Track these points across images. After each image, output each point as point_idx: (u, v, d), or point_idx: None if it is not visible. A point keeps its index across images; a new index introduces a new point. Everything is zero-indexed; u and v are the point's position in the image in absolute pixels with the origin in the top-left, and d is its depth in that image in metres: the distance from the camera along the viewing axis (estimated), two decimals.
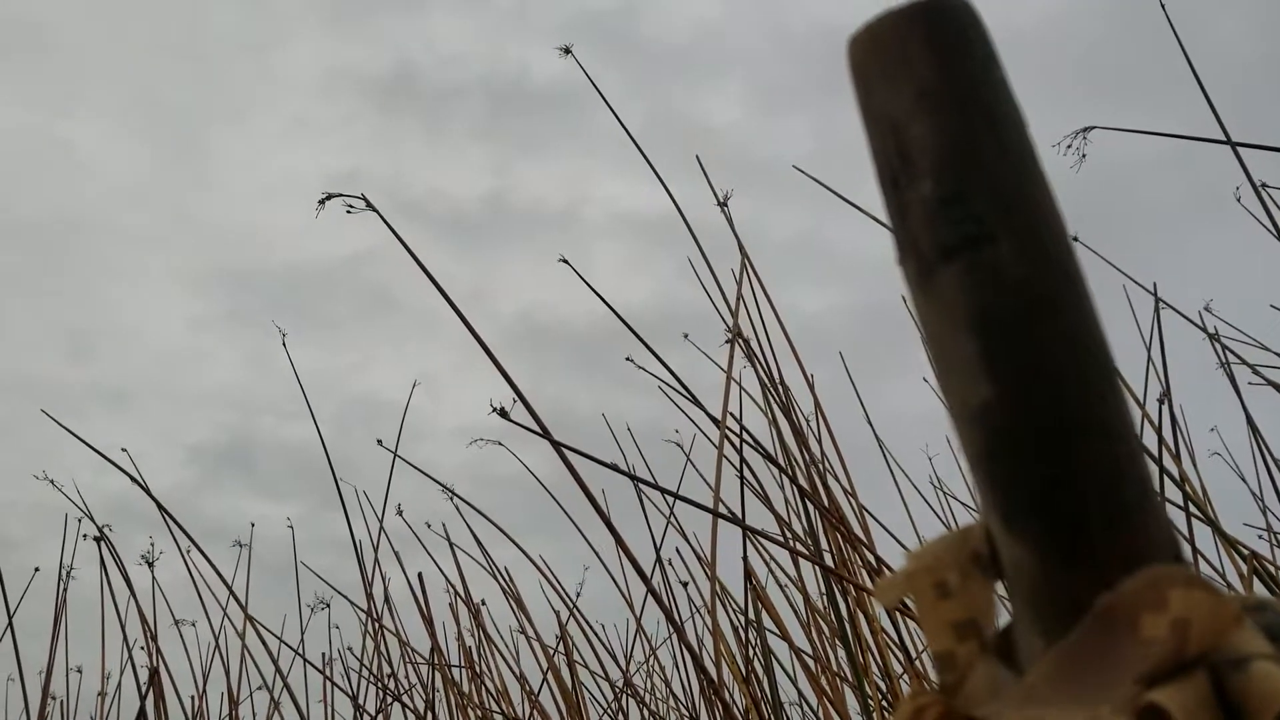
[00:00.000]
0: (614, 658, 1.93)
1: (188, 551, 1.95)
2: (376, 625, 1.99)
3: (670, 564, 1.84)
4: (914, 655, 1.52)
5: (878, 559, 1.52)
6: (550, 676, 1.94)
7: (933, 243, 0.33)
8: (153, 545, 2.03)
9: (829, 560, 1.56)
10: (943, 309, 0.33)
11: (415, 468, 1.85)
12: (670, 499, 1.72)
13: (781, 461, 1.60)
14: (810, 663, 1.64)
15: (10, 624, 1.97)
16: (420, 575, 2.04)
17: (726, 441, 1.56)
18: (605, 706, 1.94)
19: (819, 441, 1.67)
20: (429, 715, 1.94)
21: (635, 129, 1.68)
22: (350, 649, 2.13)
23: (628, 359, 1.65)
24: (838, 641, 1.57)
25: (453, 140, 4.91)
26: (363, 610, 1.99)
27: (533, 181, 4.76)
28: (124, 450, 1.91)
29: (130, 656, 1.98)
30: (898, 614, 1.54)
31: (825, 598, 1.58)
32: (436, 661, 1.96)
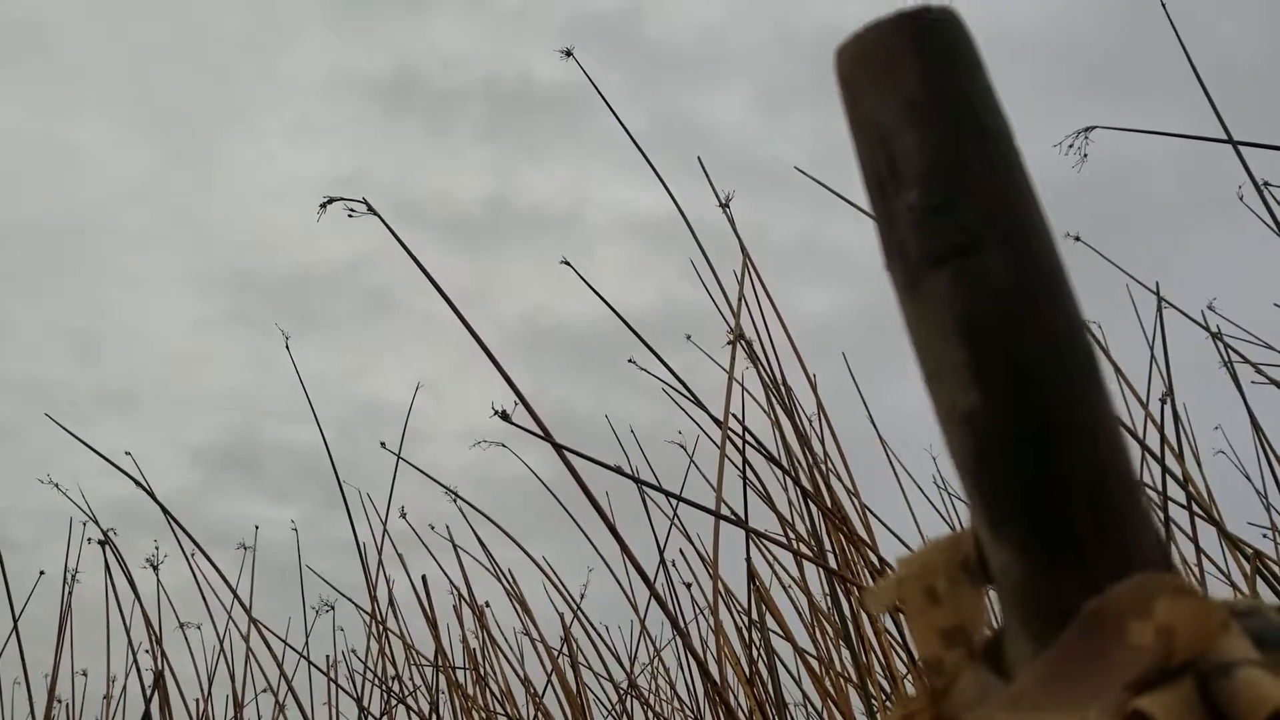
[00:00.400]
0: (618, 659, 1.94)
1: (192, 555, 1.95)
2: (381, 627, 1.99)
3: (674, 565, 1.84)
4: (917, 656, 1.52)
5: (881, 559, 1.53)
6: (554, 678, 1.94)
7: (920, 250, 0.34)
8: (157, 549, 2.04)
9: (832, 561, 1.56)
10: (930, 316, 0.33)
11: (418, 469, 1.86)
12: (673, 500, 1.72)
13: (784, 462, 1.60)
14: (814, 664, 1.64)
15: (15, 628, 1.98)
16: (424, 577, 2.05)
17: (729, 442, 1.56)
18: (610, 708, 1.94)
19: (821, 442, 1.67)
20: (434, 717, 1.95)
21: (637, 131, 1.68)
22: (354, 651, 2.14)
23: (630, 360, 1.65)
24: (841, 642, 1.57)
25: (455, 143, 4.92)
26: (367, 613, 2.00)
27: (535, 184, 4.76)
28: (128, 454, 1.92)
29: (135, 660, 1.99)
30: (901, 614, 1.54)
31: (829, 598, 1.58)
32: (441, 664, 1.96)
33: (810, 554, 1.55)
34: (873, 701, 1.52)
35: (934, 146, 0.34)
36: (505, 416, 1.21)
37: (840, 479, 1.67)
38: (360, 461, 2.23)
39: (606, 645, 1.94)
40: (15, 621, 1.98)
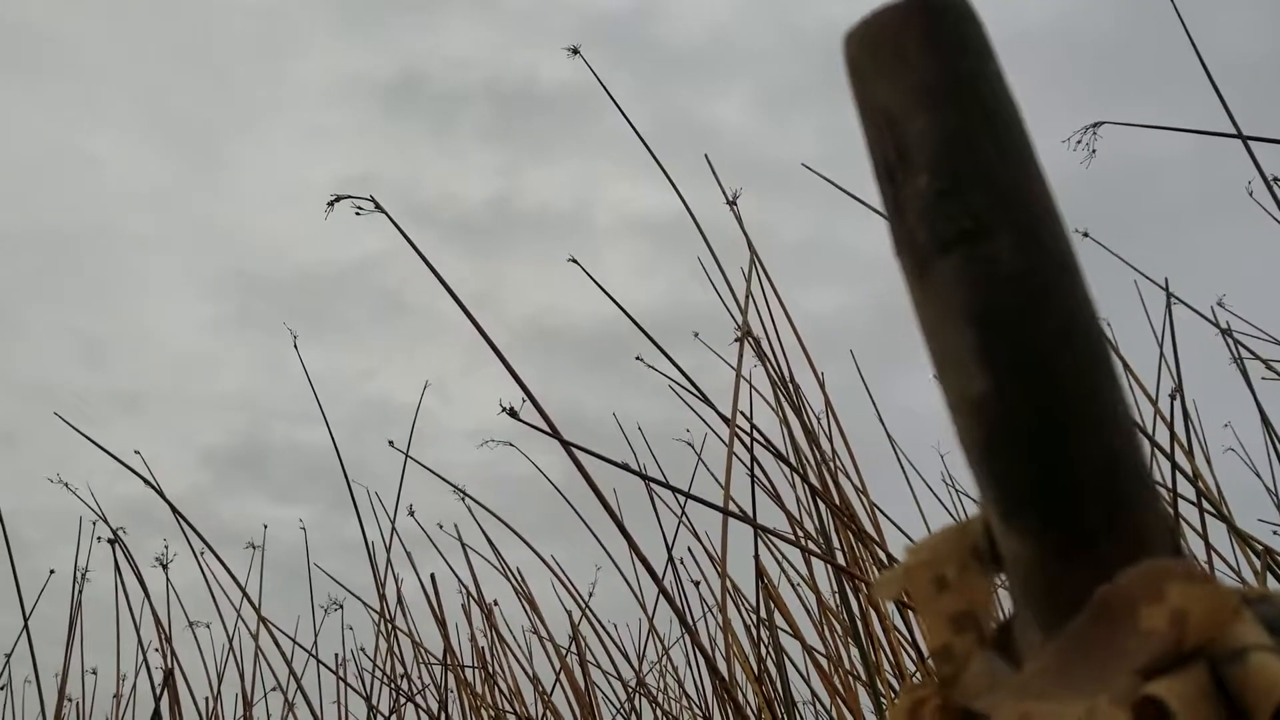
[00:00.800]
0: (626, 657, 1.94)
1: (201, 554, 1.96)
2: (389, 626, 2.00)
3: (682, 563, 1.84)
4: (927, 653, 1.52)
5: (890, 556, 1.52)
6: (563, 676, 1.94)
7: (929, 236, 0.33)
8: (166, 548, 2.04)
9: (841, 559, 1.56)
10: (939, 302, 0.33)
11: (426, 468, 1.86)
12: (681, 498, 1.72)
13: (792, 460, 1.59)
14: (823, 661, 1.63)
15: (26, 627, 1.98)
16: (433, 576, 2.05)
17: (737, 440, 1.56)
18: (618, 706, 1.94)
19: (830, 440, 1.67)
20: (442, 715, 1.95)
21: (643, 131, 1.68)
22: (363, 649, 2.14)
23: (638, 358, 1.65)
24: (850, 640, 1.57)
25: (462, 144, 4.92)
26: (375, 611, 2.00)
27: (542, 184, 4.76)
28: (138, 453, 1.93)
29: (145, 658, 2.00)
30: (910, 611, 1.54)
31: (837, 596, 1.57)
32: (449, 662, 1.96)
33: (819, 551, 1.54)
34: (881, 700, 1.52)
35: (942, 131, 0.34)
36: (513, 413, 1.21)
37: (849, 477, 1.66)
38: (369, 462, 2.23)
39: (615, 643, 1.94)
40: (26, 620, 1.98)
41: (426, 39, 4.76)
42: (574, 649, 1.96)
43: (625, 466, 1.48)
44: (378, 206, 1.36)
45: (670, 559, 1.78)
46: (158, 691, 1.90)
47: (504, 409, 1.21)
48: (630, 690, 1.92)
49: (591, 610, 1.94)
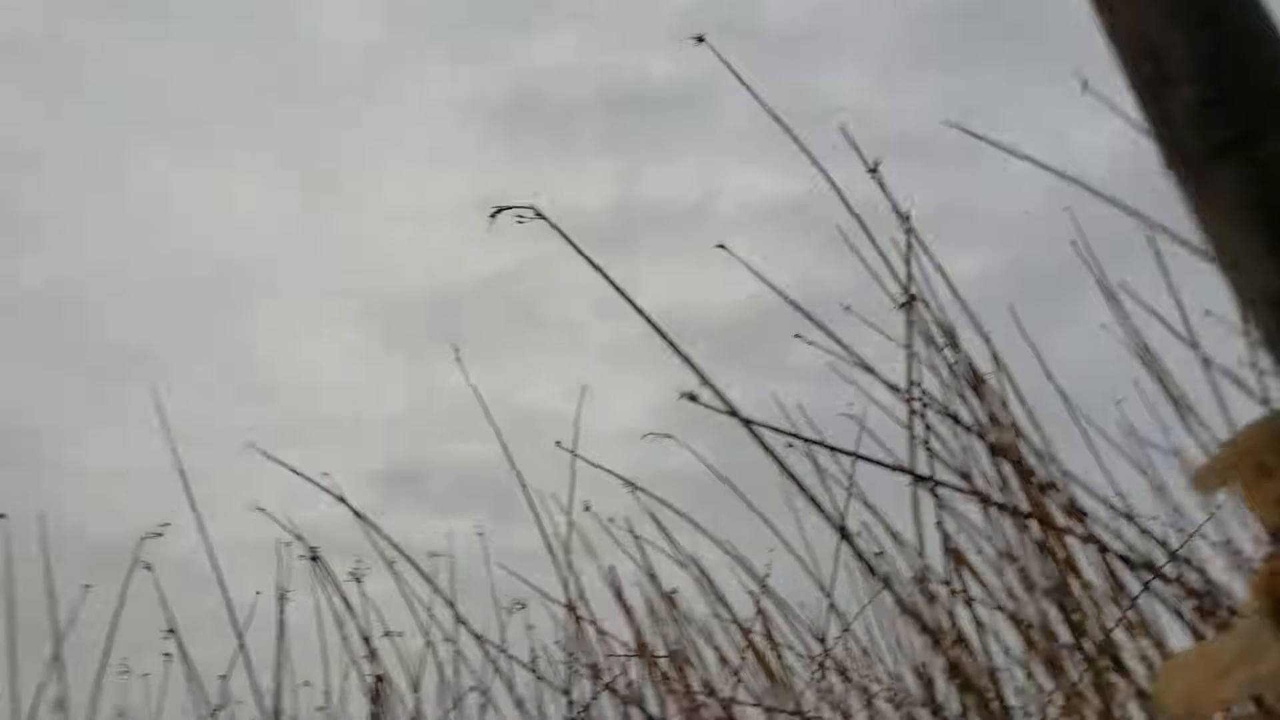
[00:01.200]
0: (811, 633, 1.95)
1: (393, 563, 2.06)
2: (578, 619, 2.06)
3: (859, 535, 1.84)
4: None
5: (1081, 510, 1.49)
6: (750, 655, 1.96)
7: (1201, 145, 0.34)
8: (359, 562, 2.16)
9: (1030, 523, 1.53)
10: (1220, 208, 0.34)
11: (597, 466, 1.91)
12: (849, 464, 1.71)
13: (968, 420, 1.58)
14: (1021, 627, 1.61)
15: (241, 644, 2.12)
16: (612, 568, 2.10)
17: (908, 409, 1.55)
18: (807, 681, 1.95)
19: (1004, 402, 1.64)
20: (637, 703, 2.00)
21: (759, 114, 1.68)
22: (558, 642, 2.21)
23: (796, 335, 1.65)
24: (1047, 599, 1.54)
25: (580, 152, 5.00)
26: (563, 605, 2.06)
27: (661, 183, 4.80)
28: (326, 474, 2.04)
29: (355, 664, 2.11)
30: (1105, 565, 1.51)
31: (1026, 551, 1.55)
32: (639, 650, 2.01)
33: (1006, 507, 1.53)
34: (1088, 659, 1.49)
35: (1201, 46, 0.35)
36: (693, 398, 1.25)
37: (1027, 438, 1.64)
38: (525, 470, 2.30)
39: (799, 619, 1.96)
40: (241, 640, 2.12)
41: (532, 52, 4.85)
42: (760, 628, 1.98)
43: (796, 435, 1.50)
44: (539, 214, 1.41)
45: (844, 530, 1.78)
46: (371, 695, 2.01)
47: (684, 394, 1.25)
48: (820, 662, 1.93)
49: (771, 589, 1.96)
